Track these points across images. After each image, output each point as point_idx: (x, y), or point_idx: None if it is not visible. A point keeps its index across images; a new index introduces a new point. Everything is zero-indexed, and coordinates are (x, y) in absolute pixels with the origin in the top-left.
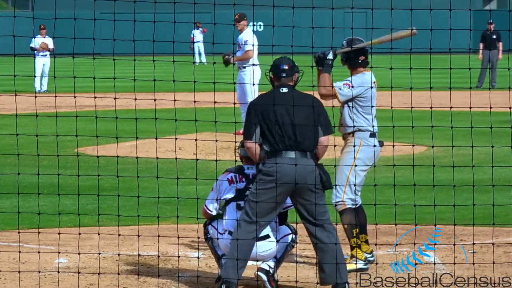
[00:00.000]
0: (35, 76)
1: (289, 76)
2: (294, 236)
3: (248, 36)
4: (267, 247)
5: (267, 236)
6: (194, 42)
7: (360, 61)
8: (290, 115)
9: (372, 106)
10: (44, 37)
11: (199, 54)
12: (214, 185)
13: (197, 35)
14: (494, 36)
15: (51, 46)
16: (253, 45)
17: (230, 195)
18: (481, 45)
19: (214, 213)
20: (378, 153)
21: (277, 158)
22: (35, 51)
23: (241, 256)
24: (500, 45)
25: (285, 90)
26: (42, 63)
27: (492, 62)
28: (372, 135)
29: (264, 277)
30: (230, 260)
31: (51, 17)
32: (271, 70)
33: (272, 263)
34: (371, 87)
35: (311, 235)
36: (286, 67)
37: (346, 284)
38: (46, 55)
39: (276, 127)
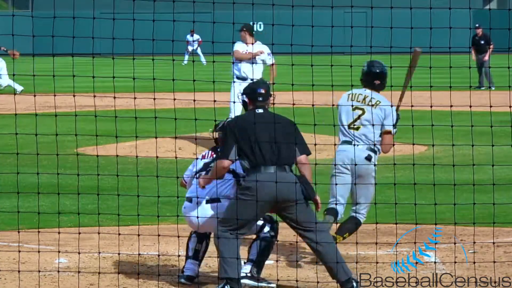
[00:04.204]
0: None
1: (265, 101)
2: (270, 226)
3: (257, 46)
4: (206, 212)
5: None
6: (188, 45)
7: (376, 84)
8: (267, 132)
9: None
10: None
11: (194, 54)
12: (193, 161)
13: (190, 39)
14: (482, 42)
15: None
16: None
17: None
18: (472, 49)
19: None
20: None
21: (256, 173)
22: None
23: (232, 256)
24: (490, 47)
25: (260, 111)
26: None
27: (482, 65)
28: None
29: (248, 281)
30: (226, 260)
31: (50, 17)
32: (247, 94)
33: (248, 267)
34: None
35: (306, 239)
36: (263, 91)
37: (354, 282)
38: None
39: (254, 144)
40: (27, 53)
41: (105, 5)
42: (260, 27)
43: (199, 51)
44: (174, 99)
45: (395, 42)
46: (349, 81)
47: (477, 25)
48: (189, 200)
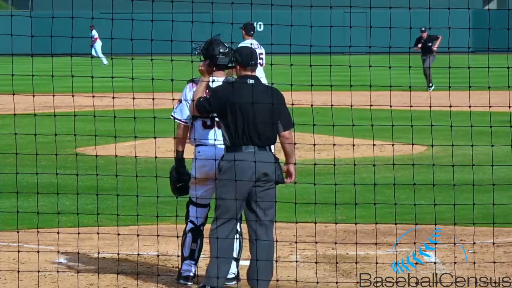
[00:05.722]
0: None
1: (256, 65)
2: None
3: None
4: None
5: None
6: (95, 42)
7: None
8: (254, 109)
9: None
10: None
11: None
12: (180, 97)
13: (96, 34)
14: (430, 44)
15: None
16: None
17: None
18: (418, 49)
19: (188, 123)
20: None
21: (236, 152)
22: None
23: (224, 255)
24: (436, 46)
25: (252, 81)
26: None
27: (429, 66)
28: None
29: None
30: (213, 261)
31: (49, 17)
32: (238, 59)
33: (234, 268)
34: None
35: (251, 229)
36: (254, 53)
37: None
38: None
39: (239, 121)
40: (26, 53)
41: (104, 5)
42: (260, 27)
43: (94, 50)
44: (173, 99)
45: (395, 42)
46: (348, 81)
47: (423, 28)
48: (204, 144)
